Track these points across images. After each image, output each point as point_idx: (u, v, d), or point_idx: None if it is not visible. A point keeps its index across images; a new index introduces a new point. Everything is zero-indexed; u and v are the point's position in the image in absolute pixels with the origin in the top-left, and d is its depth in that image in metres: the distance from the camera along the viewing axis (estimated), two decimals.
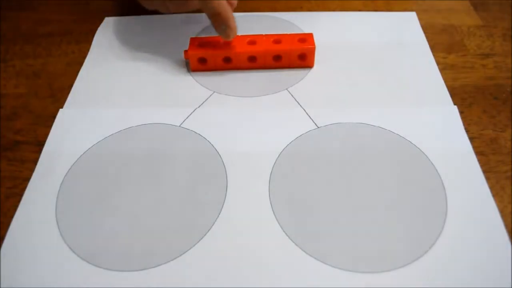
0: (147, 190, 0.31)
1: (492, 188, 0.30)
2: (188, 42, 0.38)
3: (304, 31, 0.42)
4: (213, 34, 0.38)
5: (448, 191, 0.30)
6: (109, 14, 0.46)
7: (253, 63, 0.38)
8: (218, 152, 0.33)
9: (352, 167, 0.32)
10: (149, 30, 0.43)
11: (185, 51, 0.38)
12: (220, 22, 0.36)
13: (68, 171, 0.32)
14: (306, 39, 0.38)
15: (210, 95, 0.37)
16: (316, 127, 0.34)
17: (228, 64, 0.38)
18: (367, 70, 0.39)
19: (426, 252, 0.27)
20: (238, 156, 0.32)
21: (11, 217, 0.30)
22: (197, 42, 0.38)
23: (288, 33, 0.39)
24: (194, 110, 0.36)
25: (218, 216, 0.29)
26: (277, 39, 0.38)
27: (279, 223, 0.29)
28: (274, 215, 0.29)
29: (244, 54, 0.38)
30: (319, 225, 0.29)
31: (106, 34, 0.44)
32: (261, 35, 0.38)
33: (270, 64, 0.38)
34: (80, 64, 0.40)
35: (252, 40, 0.38)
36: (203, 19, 0.43)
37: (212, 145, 0.33)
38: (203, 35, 0.42)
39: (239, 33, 0.38)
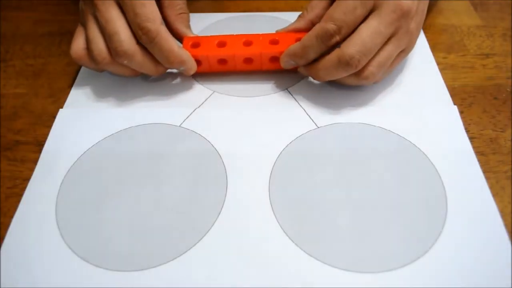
0: (147, 190, 0.31)
1: (492, 188, 0.30)
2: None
3: None
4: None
5: (448, 191, 0.30)
6: None
7: (249, 64, 0.37)
8: (218, 152, 0.33)
9: (352, 167, 0.32)
10: None
11: None
12: (176, 66, 0.34)
13: (68, 171, 0.32)
14: None
15: (210, 95, 0.37)
16: (316, 127, 0.34)
17: (223, 66, 0.37)
18: None
19: (426, 252, 0.27)
20: (238, 156, 0.32)
21: (11, 217, 0.30)
22: (191, 42, 0.36)
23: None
24: (194, 110, 0.36)
25: (218, 216, 0.29)
26: (274, 39, 0.36)
27: (279, 223, 0.29)
28: (274, 215, 0.29)
29: (239, 56, 0.36)
30: (319, 225, 0.29)
31: None
32: (258, 34, 0.37)
33: (267, 65, 0.37)
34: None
35: (248, 40, 0.36)
36: (204, 19, 0.43)
37: (212, 145, 0.33)
38: (203, 35, 0.42)
39: (236, 33, 0.37)
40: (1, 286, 0.27)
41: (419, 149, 0.32)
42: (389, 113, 0.35)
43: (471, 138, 0.33)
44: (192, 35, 0.37)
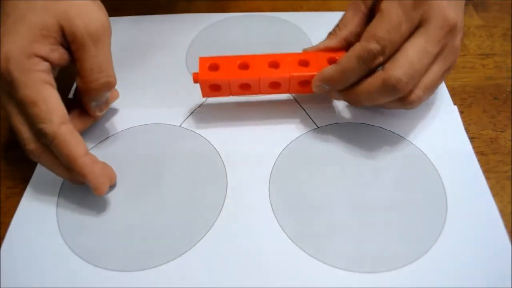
0: (147, 190, 0.31)
1: (492, 188, 0.30)
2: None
3: (304, 31, 0.42)
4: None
5: (448, 191, 0.30)
6: (108, 14, 0.46)
7: (276, 89, 0.33)
8: (218, 152, 0.33)
9: (352, 167, 0.32)
10: (149, 30, 0.43)
11: (195, 74, 0.32)
12: (81, 178, 0.28)
13: None
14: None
15: None
16: (316, 127, 0.34)
17: (245, 91, 0.33)
18: None
19: (426, 252, 0.27)
20: (238, 156, 0.32)
21: (11, 217, 0.30)
22: (208, 64, 0.32)
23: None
24: (194, 110, 0.36)
25: (218, 216, 0.29)
26: (304, 60, 0.32)
27: (279, 223, 0.29)
28: (274, 215, 0.29)
29: (265, 79, 0.32)
30: (319, 225, 0.29)
31: None
32: (285, 54, 0.32)
33: (296, 89, 0.33)
34: None
35: (274, 61, 0.32)
36: (204, 19, 0.43)
37: (212, 145, 0.33)
38: (203, 35, 0.42)
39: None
40: (1, 286, 0.27)
41: (419, 149, 0.32)
42: (389, 113, 0.35)
43: (471, 138, 0.33)
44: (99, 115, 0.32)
